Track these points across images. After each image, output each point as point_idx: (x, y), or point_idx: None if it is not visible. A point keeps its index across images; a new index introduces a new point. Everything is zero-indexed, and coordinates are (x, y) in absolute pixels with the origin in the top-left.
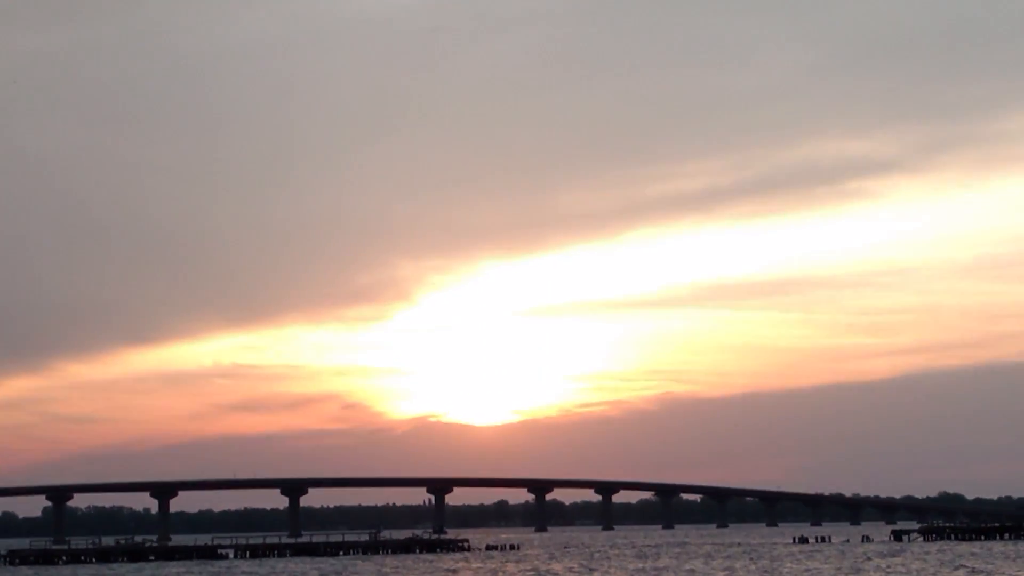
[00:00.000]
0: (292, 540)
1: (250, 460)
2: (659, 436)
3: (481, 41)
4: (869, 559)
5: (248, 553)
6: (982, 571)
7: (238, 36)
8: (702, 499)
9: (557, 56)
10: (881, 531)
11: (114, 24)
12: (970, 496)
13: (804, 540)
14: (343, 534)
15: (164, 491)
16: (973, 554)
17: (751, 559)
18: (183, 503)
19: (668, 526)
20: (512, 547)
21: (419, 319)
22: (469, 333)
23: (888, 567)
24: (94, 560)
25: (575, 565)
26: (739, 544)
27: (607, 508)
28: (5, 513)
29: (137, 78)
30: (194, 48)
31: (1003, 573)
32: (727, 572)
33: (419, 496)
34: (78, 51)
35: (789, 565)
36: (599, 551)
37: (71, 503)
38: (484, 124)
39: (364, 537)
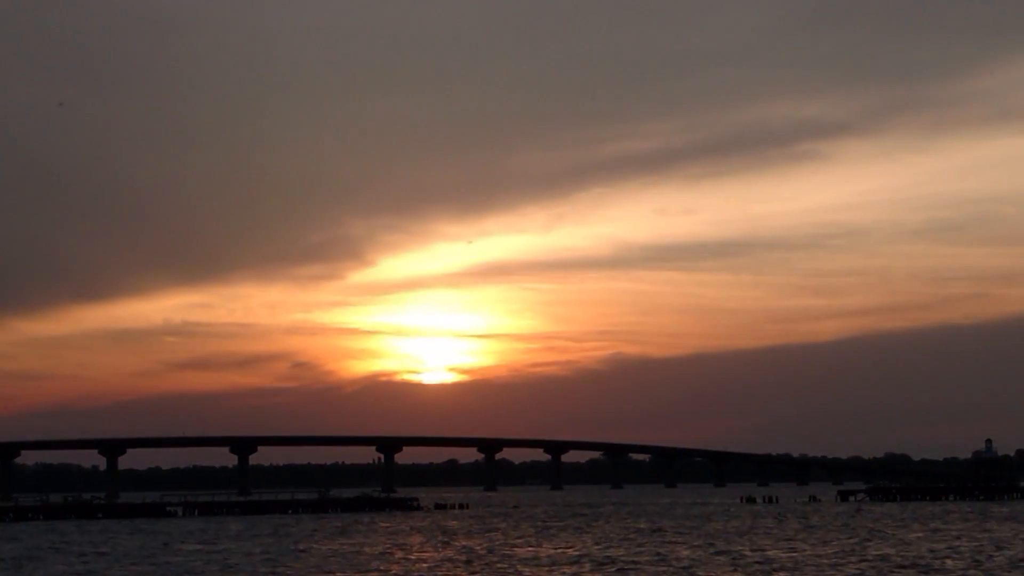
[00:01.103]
0: (241, 498)
1: (199, 418)
2: (609, 396)
3: (429, 1)
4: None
5: (197, 511)
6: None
7: None
8: (651, 459)
9: (510, 15)
10: (828, 491)
11: None
12: (916, 457)
13: (752, 500)
14: (292, 492)
15: (112, 448)
16: (934, 515)
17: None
18: (132, 460)
19: (617, 486)
20: (462, 506)
21: (370, 278)
22: (419, 292)
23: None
24: (41, 517)
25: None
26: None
27: (556, 468)
28: None
29: (95, 31)
30: (148, 5)
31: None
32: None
33: (369, 455)
34: (41, 7)
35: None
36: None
37: (18, 460)
38: (437, 83)
39: (313, 495)
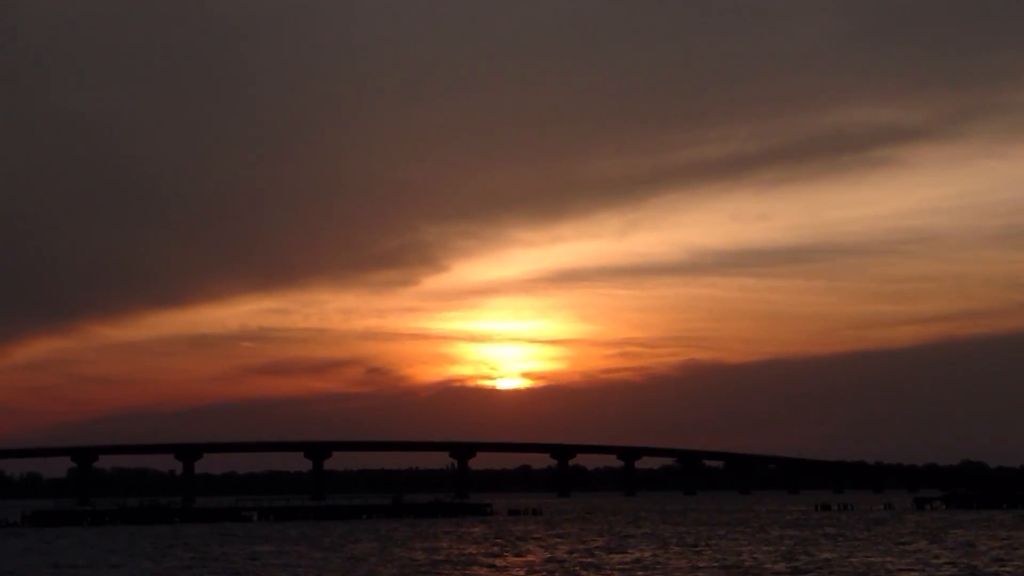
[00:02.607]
0: (315, 503)
1: (275, 423)
2: (682, 402)
3: (508, 5)
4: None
5: (271, 516)
6: None
7: (271, 1)
8: (724, 465)
9: (585, 20)
10: (903, 499)
11: None
12: (992, 464)
13: (826, 507)
14: (366, 498)
15: (189, 453)
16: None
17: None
18: (207, 465)
19: (690, 492)
20: (534, 512)
21: (444, 283)
22: (493, 297)
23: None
24: (119, 522)
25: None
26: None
27: (629, 474)
28: (30, 474)
29: (170, 40)
30: (226, 9)
31: None
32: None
33: (442, 460)
34: (117, 13)
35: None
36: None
37: (96, 464)
38: (512, 88)
39: (387, 501)
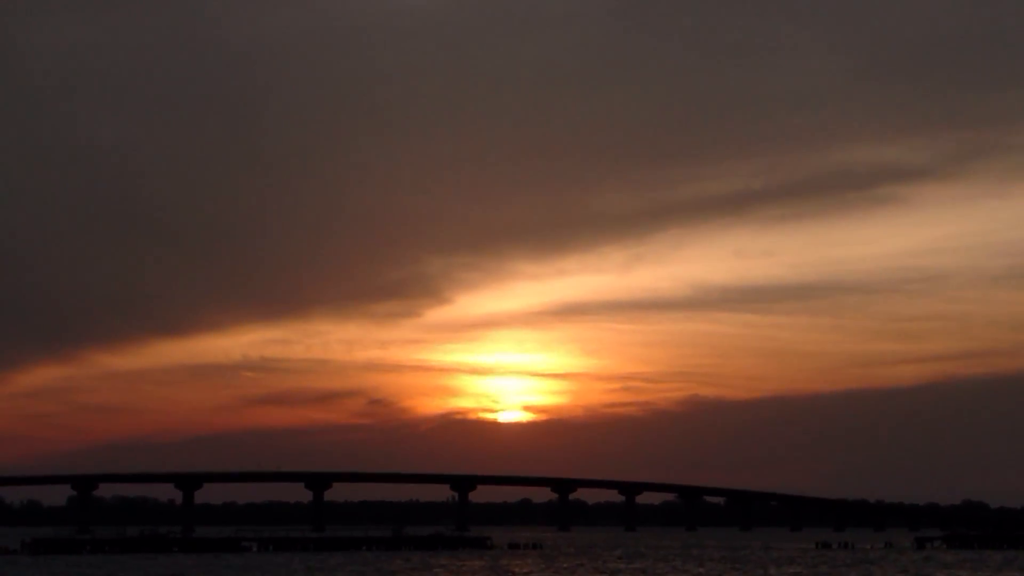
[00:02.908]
0: (315, 534)
1: (275, 453)
2: (684, 438)
3: (514, 39)
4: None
5: (271, 546)
6: None
7: (275, 31)
8: (726, 502)
9: (590, 54)
10: (904, 538)
11: (164, 17)
12: (994, 504)
13: (827, 545)
14: (366, 529)
15: (189, 483)
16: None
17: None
18: (207, 495)
19: (691, 528)
20: (534, 546)
21: (447, 315)
22: (496, 330)
23: None
24: (118, 550)
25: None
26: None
27: (630, 509)
28: (30, 501)
29: (173, 68)
30: (230, 40)
31: None
32: None
33: (443, 493)
34: (127, 44)
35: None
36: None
37: (96, 493)
38: (517, 121)
39: (387, 533)
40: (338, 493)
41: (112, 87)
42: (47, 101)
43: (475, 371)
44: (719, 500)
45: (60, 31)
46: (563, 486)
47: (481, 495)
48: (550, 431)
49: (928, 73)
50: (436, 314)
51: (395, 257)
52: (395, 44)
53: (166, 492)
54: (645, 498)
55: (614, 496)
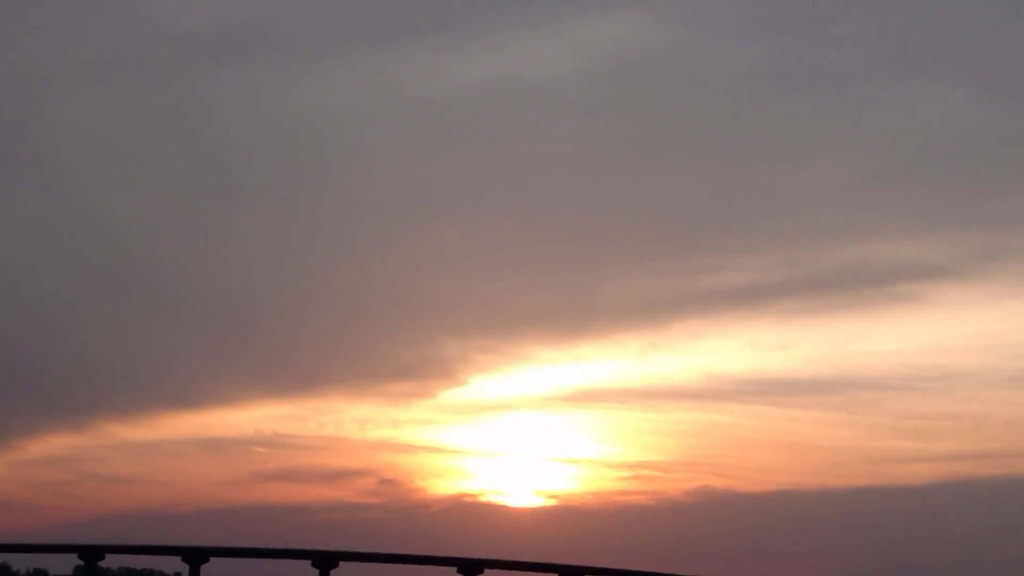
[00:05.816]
0: None
1: (284, 530)
2: (695, 529)
3: (533, 125)
4: None
5: None
6: None
7: (292, 109)
8: None
9: (610, 143)
10: None
11: (170, 93)
12: None
13: None
14: None
15: (196, 556)
16: None
17: None
18: (214, 569)
19: None
20: None
21: (461, 397)
22: (509, 413)
23: None
24: None
25: None
26: None
27: None
28: (37, 569)
29: (188, 143)
30: (248, 115)
31: None
32: None
33: (450, 575)
34: (142, 115)
35: None
36: None
37: (103, 563)
38: (537, 206)
39: None
40: (345, 572)
41: (123, 159)
42: (64, 172)
43: (487, 454)
44: None
45: (91, 105)
46: (571, 573)
47: None
48: (560, 517)
49: (948, 171)
50: (450, 395)
51: (412, 338)
52: (413, 127)
53: (173, 565)
54: None
55: None
